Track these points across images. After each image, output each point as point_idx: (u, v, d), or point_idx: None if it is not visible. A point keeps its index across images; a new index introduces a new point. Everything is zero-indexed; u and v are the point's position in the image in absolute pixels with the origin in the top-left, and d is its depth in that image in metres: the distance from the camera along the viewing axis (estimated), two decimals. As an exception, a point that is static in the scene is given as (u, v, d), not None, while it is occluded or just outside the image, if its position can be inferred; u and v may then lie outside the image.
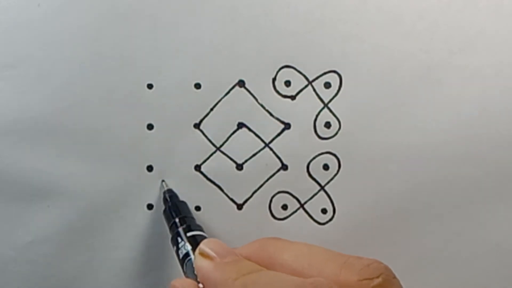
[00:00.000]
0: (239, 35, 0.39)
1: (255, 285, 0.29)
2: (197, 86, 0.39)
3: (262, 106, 0.40)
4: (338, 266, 0.30)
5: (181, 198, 0.39)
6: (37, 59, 0.38)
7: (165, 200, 0.39)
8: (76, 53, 0.39)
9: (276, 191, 0.40)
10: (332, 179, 0.40)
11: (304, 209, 0.40)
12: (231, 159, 0.40)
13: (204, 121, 0.40)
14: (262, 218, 0.40)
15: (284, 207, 0.40)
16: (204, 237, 0.36)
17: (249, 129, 0.40)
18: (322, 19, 0.39)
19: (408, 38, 0.39)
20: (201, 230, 0.37)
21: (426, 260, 0.41)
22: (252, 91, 0.40)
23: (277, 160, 0.40)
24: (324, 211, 0.40)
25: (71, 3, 0.38)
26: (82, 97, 0.39)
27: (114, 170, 0.40)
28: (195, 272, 0.33)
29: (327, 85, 0.39)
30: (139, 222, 0.40)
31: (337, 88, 0.39)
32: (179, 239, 0.36)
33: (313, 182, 0.40)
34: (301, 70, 0.39)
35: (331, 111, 0.40)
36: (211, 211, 0.40)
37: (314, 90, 0.40)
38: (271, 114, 0.40)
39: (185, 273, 0.35)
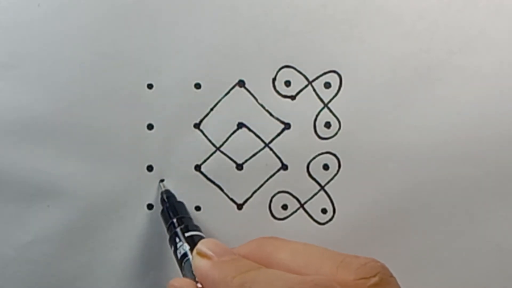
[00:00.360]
0: (239, 35, 0.39)
1: (254, 283, 0.29)
2: (197, 86, 0.39)
3: (262, 106, 0.40)
4: (335, 265, 0.30)
5: (181, 198, 0.39)
6: (37, 59, 0.38)
7: (162, 200, 0.39)
8: (76, 53, 0.39)
9: (276, 191, 0.40)
10: (332, 179, 0.40)
11: (304, 209, 0.40)
12: (231, 159, 0.40)
13: (204, 121, 0.40)
14: (262, 218, 0.40)
15: (284, 207, 0.40)
16: (202, 237, 0.36)
17: (249, 129, 0.40)
18: (322, 19, 0.39)
19: (408, 38, 0.39)
20: (199, 230, 0.37)
21: (426, 260, 0.41)
22: (252, 91, 0.40)
23: (277, 160, 0.40)
24: (324, 211, 0.40)
25: (71, 3, 0.38)
26: (82, 97, 0.39)
27: (114, 170, 0.39)
28: (194, 272, 0.33)
29: (327, 85, 0.39)
30: (139, 222, 0.40)
31: (337, 88, 0.39)
32: (177, 240, 0.36)
33: (313, 182, 0.40)
34: (301, 70, 0.39)
35: (331, 111, 0.40)
36: (211, 211, 0.40)
37: (314, 90, 0.40)
38: (271, 114, 0.40)
39: (183, 273, 0.35)
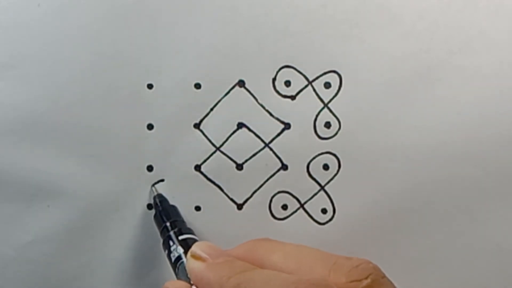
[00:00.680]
0: (239, 35, 0.39)
1: (250, 283, 0.29)
2: (197, 86, 0.39)
3: (262, 106, 0.40)
4: (327, 267, 0.30)
5: (181, 198, 0.39)
6: (37, 59, 0.38)
7: (155, 205, 0.39)
8: (76, 53, 0.39)
9: (276, 191, 0.40)
10: (332, 179, 0.40)
11: (304, 209, 0.40)
12: (231, 159, 0.40)
13: (204, 121, 0.40)
14: (262, 218, 0.40)
15: (284, 207, 0.40)
16: (196, 240, 0.36)
17: (249, 129, 0.40)
18: (322, 19, 0.39)
19: (408, 38, 0.39)
20: (192, 233, 0.37)
21: (426, 260, 0.41)
22: (252, 91, 0.40)
23: (277, 160, 0.40)
24: (324, 211, 0.40)
25: (71, 3, 0.38)
26: (82, 97, 0.39)
27: (114, 170, 0.39)
28: (188, 274, 0.33)
29: (327, 85, 0.39)
30: (139, 222, 0.40)
31: (337, 88, 0.39)
32: (171, 243, 0.36)
33: (313, 182, 0.40)
34: (301, 70, 0.39)
35: (331, 111, 0.40)
36: (211, 211, 0.40)
37: (314, 90, 0.40)
38: (271, 114, 0.40)
39: (178, 277, 0.35)
